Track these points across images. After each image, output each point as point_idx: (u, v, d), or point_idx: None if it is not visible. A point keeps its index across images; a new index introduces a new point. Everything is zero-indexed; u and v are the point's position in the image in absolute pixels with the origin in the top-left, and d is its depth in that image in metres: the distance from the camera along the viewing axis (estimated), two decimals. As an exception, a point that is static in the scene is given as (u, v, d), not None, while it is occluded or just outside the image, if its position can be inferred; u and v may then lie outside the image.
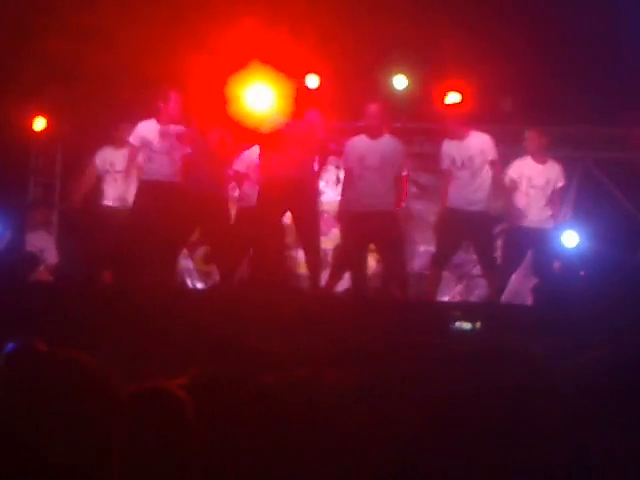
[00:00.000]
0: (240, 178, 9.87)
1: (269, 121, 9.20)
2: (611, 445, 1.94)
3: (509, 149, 9.78)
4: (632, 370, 2.53)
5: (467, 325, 6.71)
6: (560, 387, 2.06)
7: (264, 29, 9.48)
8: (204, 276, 11.24)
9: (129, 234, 9.49)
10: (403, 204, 9.59)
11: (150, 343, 5.33)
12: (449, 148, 9.29)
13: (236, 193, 9.99)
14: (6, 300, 7.14)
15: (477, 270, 10.44)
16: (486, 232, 9.32)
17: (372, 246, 9.58)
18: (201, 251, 10.57)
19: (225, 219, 9.44)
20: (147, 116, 9.75)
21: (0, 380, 2.48)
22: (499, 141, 9.45)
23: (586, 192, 11.22)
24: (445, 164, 9.32)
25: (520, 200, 9.50)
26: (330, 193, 10.72)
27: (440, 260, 9.48)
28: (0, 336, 4.84)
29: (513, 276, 9.96)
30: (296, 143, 8.93)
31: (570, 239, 10.09)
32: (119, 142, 10.12)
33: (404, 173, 9.37)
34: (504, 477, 1.81)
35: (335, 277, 9.44)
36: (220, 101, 9.22)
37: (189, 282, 10.85)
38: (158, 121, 9.61)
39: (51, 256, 10.73)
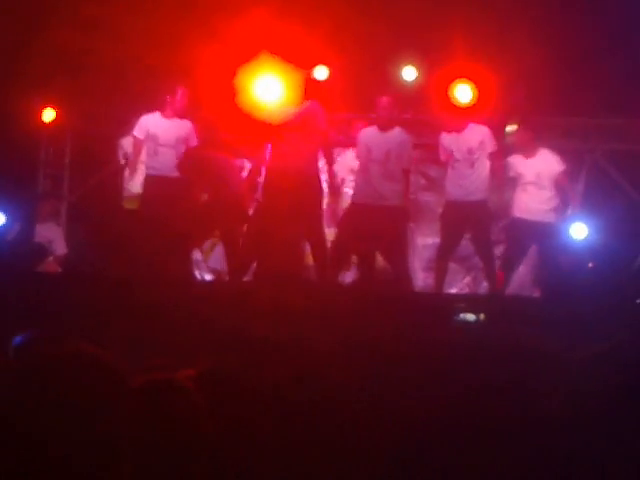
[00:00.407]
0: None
1: (278, 113, 9.19)
2: (619, 442, 1.94)
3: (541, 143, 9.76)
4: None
5: (471, 317, 6.73)
6: (567, 381, 2.07)
7: (274, 19, 9.46)
8: (212, 268, 11.25)
9: (137, 227, 9.51)
10: (409, 197, 9.60)
11: (158, 335, 5.34)
12: (445, 140, 9.35)
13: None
14: (15, 291, 7.16)
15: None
16: (483, 222, 9.35)
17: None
18: (209, 243, 10.56)
19: (239, 215, 9.46)
20: (157, 107, 9.74)
21: (9, 373, 2.49)
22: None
23: (595, 184, 11.19)
24: (442, 155, 9.39)
25: (520, 195, 9.50)
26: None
27: (444, 252, 9.51)
28: (9, 327, 4.86)
29: (520, 268, 9.97)
30: (295, 133, 8.91)
31: (579, 232, 10.07)
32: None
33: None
34: (512, 475, 1.82)
35: (335, 268, 9.43)
36: (229, 92, 9.21)
37: (198, 274, 10.85)
38: (163, 114, 9.58)
39: (60, 247, 10.75)
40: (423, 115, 10.61)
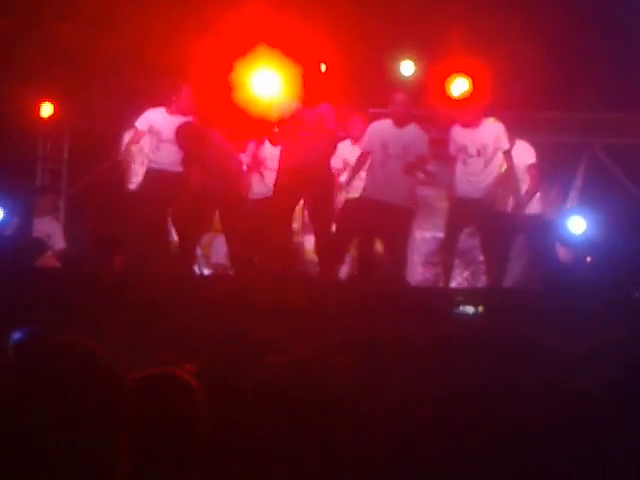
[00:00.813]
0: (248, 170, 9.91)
1: (277, 108, 9.17)
2: (620, 438, 1.94)
3: (518, 136, 9.72)
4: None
5: (470, 309, 6.74)
6: (568, 376, 2.07)
7: (271, 12, 9.43)
8: (211, 263, 11.24)
9: (131, 220, 9.53)
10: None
11: (157, 329, 5.34)
12: (458, 135, 9.25)
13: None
14: (13, 286, 7.16)
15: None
16: (489, 218, 9.30)
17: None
18: (207, 238, 10.55)
19: (238, 211, 9.45)
20: (155, 101, 9.73)
21: (8, 370, 2.48)
22: (508, 129, 9.41)
23: (593, 178, 11.19)
24: (453, 150, 9.29)
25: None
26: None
27: (450, 247, 9.48)
28: (8, 321, 4.86)
29: (522, 261, 9.98)
30: (309, 131, 8.91)
31: (577, 225, 10.07)
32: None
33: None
34: (514, 474, 1.82)
35: (336, 262, 9.43)
36: (225, 87, 9.19)
37: (197, 269, 10.84)
38: (168, 110, 9.58)
39: (58, 242, 10.75)
40: (422, 110, 10.60)
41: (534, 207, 9.53)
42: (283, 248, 9.22)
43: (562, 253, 10.03)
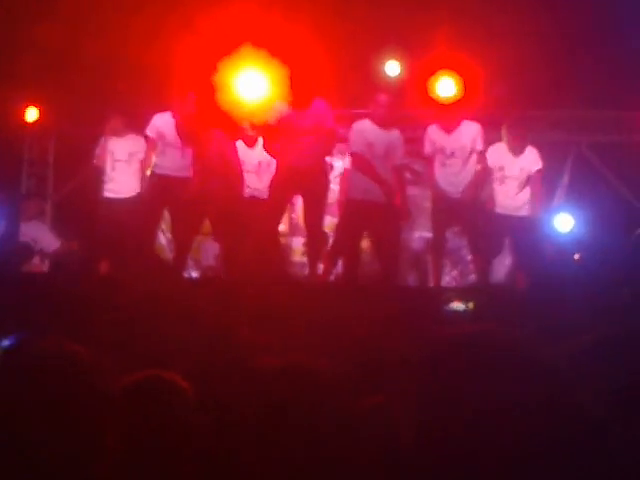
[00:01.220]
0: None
1: (262, 111, 9.16)
2: (614, 438, 1.94)
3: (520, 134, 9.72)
4: (627, 354, 2.53)
5: (460, 306, 6.75)
6: (556, 375, 2.06)
7: (255, 13, 9.40)
8: (201, 266, 11.23)
9: (132, 223, 9.54)
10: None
11: (146, 333, 5.32)
12: (435, 135, 9.29)
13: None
14: (0, 291, 7.13)
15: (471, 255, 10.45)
16: (475, 217, 9.33)
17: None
18: (196, 241, 10.54)
19: (235, 215, 9.45)
20: (142, 106, 9.75)
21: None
22: (494, 128, 9.42)
23: (580, 176, 11.22)
24: (428, 150, 9.33)
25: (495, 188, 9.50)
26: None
27: (439, 247, 9.50)
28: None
29: (508, 259, 9.99)
30: (306, 134, 8.91)
31: (564, 223, 10.09)
32: (120, 131, 9.94)
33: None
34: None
35: (332, 263, 9.45)
36: (209, 89, 9.16)
37: (186, 272, 10.84)
38: (173, 114, 9.60)
39: (48, 244, 10.73)
40: (407, 110, 10.59)
41: (523, 209, 9.52)
42: (272, 249, 9.23)
43: (549, 251, 10.05)
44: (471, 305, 6.78)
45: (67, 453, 2.42)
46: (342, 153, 10.34)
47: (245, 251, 9.55)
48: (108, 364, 2.66)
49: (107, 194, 9.89)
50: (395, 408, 2.29)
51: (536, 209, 9.43)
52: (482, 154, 9.26)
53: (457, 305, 6.82)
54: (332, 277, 9.69)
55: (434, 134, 9.30)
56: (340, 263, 9.67)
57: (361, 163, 9.14)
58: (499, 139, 9.49)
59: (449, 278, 11.31)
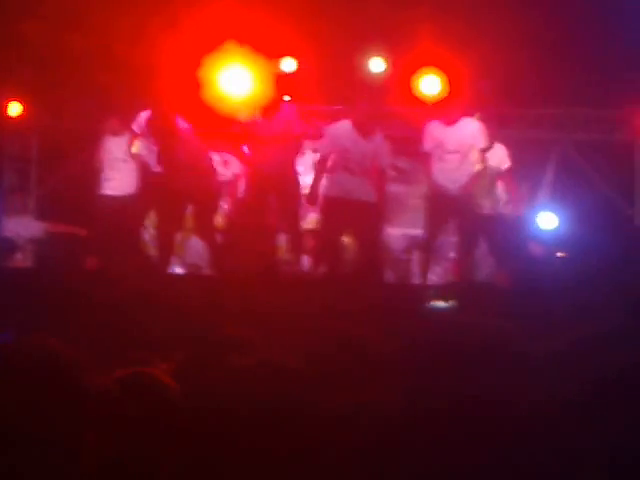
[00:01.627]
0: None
1: (246, 107, 9.15)
2: (598, 437, 1.94)
3: (490, 132, 9.73)
4: (609, 350, 2.54)
5: (442, 304, 6.76)
6: (539, 374, 2.07)
7: (240, 8, 9.38)
8: (185, 263, 11.21)
9: (127, 220, 9.60)
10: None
11: (132, 329, 5.31)
12: (436, 131, 9.22)
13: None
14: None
15: (453, 253, 10.45)
16: (471, 213, 9.32)
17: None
18: (179, 237, 10.52)
19: (211, 208, 9.49)
20: (125, 102, 9.75)
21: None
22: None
23: (563, 174, 11.25)
24: (427, 146, 9.26)
25: None
26: (307, 178, 10.69)
27: (429, 243, 9.48)
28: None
29: (491, 258, 10.00)
30: (275, 141, 8.99)
31: (548, 221, 10.11)
32: (118, 130, 9.92)
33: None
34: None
35: (318, 261, 9.45)
36: (193, 85, 9.13)
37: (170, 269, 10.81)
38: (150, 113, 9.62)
39: (31, 234, 10.72)
40: (392, 107, 10.60)
41: (504, 207, 9.55)
42: (258, 247, 9.25)
43: (533, 249, 10.07)
44: (453, 303, 6.80)
45: (49, 452, 2.41)
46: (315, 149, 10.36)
47: (230, 248, 9.57)
48: (92, 361, 2.65)
49: (106, 191, 9.89)
50: (378, 404, 2.30)
51: (514, 206, 9.51)
52: (482, 152, 9.21)
53: (439, 303, 6.84)
54: (316, 273, 9.69)
55: (435, 129, 9.23)
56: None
57: (335, 165, 9.15)
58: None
59: (432, 275, 11.31)
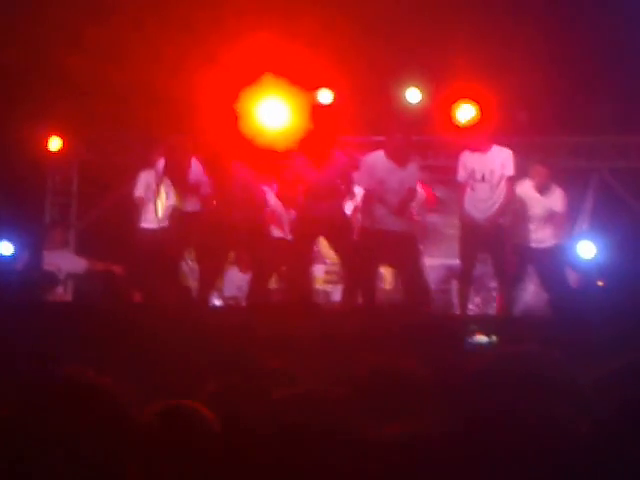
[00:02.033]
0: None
1: (284, 138, 9.19)
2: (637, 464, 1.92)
3: (524, 162, 9.71)
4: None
5: (483, 339, 6.67)
6: (583, 402, 2.06)
7: (277, 41, 9.44)
8: (223, 296, 11.24)
9: (145, 256, 9.64)
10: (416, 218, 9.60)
11: (169, 361, 5.33)
12: (468, 160, 9.20)
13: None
14: (24, 319, 7.15)
15: (494, 283, 10.40)
16: (502, 244, 9.27)
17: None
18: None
19: (261, 243, 9.49)
20: (163, 135, 9.83)
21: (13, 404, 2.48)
22: (515, 154, 9.39)
23: (602, 202, 11.18)
24: (461, 176, 9.24)
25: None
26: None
27: (467, 275, 9.40)
28: (19, 355, 4.85)
29: (531, 287, 9.94)
30: (326, 190, 8.98)
31: (587, 250, 10.05)
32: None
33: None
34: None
35: (353, 292, 9.42)
36: (231, 117, 9.18)
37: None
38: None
39: (71, 269, 10.77)
40: (428, 136, 10.61)
41: (548, 239, 9.46)
42: (300, 278, 9.25)
43: (572, 278, 10.00)
44: (495, 338, 6.72)
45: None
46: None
47: (271, 283, 9.59)
48: (131, 393, 2.67)
49: (144, 224, 9.94)
50: (416, 436, 2.29)
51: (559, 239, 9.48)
52: (511, 180, 9.17)
53: (480, 338, 6.76)
54: (353, 304, 9.67)
55: (467, 158, 9.22)
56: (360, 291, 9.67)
57: (371, 197, 9.15)
58: (523, 165, 9.48)
59: (472, 305, 11.26)
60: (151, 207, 9.93)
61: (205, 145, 9.61)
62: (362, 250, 9.22)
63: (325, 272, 10.87)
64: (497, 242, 9.18)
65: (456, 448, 2.07)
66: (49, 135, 11.28)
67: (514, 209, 9.40)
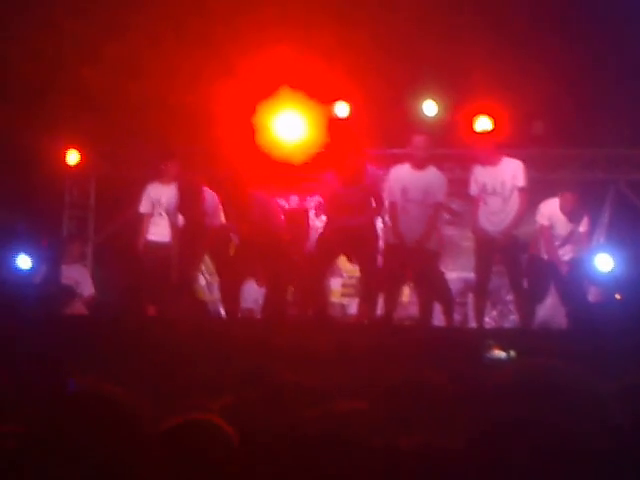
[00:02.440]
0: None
1: (300, 152, 9.19)
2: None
3: (541, 175, 9.68)
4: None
5: (501, 354, 6.63)
6: (601, 414, 2.04)
7: (294, 55, 9.46)
8: (246, 308, 11.26)
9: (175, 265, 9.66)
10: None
11: (185, 374, 5.34)
12: (479, 174, 9.18)
13: None
14: (42, 333, 7.18)
15: (511, 296, 10.36)
16: (517, 257, 9.24)
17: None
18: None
19: (280, 262, 9.47)
20: (180, 148, 9.85)
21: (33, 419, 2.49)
22: (531, 166, 9.36)
23: (619, 215, 11.14)
24: (473, 190, 9.22)
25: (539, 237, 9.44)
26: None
27: (482, 288, 9.36)
28: (36, 369, 4.86)
29: (548, 300, 9.89)
30: (360, 207, 8.93)
31: (605, 263, 10.00)
32: (166, 178, 9.92)
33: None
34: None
35: (371, 305, 9.39)
36: (248, 130, 9.19)
37: (223, 311, 10.86)
38: (161, 181, 9.76)
39: (87, 289, 10.78)
40: (445, 149, 10.60)
41: (567, 253, 9.43)
42: (317, 291, 9.23)
43: (591, 292, 9.96)
44: (513, 354, 6.67)
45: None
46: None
47: (288, 295, 9.57)
48: (149, 407, 2.66)
49: (151, 237, 9.92)
50: (434, 449, 2.28)
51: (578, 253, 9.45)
52: (523, 191, 9.13)
53: (499, 353, 6.71)
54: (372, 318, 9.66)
55: (478, 172, 9.20)
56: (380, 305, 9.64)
57: (394, 211, 9.11)
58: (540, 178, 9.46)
59: (488, 318, 11.23)
60: (158, 220, 9.90)
61: (221, 172, 9.60)
62: (387, 266, 9.18)
63: (342, 285, 10.86)
64: (512, 254, 9.15)
65: (474, 462, 2.06)
66: (67, 149, 11.32)
67: (539, 226, 9.37)
